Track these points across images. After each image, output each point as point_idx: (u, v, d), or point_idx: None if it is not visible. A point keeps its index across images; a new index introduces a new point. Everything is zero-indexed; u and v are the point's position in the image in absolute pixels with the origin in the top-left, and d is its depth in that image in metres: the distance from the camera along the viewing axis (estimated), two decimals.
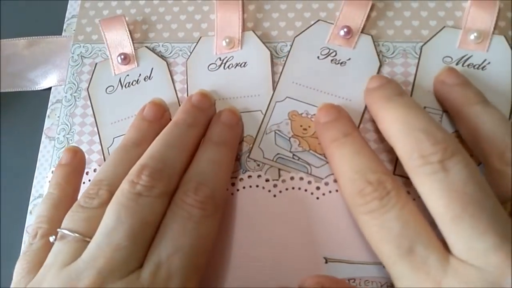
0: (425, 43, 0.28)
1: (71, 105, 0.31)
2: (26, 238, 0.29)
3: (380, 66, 0.28)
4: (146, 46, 0.31)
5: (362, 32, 0.29)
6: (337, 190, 0.26)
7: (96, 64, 0.31)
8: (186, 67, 0.30)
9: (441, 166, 0.19)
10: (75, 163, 0.27)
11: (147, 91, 0.30)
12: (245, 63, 0.29)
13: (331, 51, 0.28)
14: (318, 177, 0.26)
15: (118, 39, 0.31)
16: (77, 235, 0.21)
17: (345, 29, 0.28)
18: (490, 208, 0.19)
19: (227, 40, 0.29)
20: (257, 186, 0.26)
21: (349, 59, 0.28)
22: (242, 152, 0.27)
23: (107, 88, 0.30)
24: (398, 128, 0.21)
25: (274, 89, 0.28)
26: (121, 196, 0.21)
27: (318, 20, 0.29)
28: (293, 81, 0.28)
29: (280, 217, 0.26)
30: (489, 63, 0.27)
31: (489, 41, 0.28)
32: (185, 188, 0.22)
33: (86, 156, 0.29)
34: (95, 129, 0.30)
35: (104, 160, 0.29)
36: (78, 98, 0.31)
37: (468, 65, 0.27)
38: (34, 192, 0.30)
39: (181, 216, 0.21)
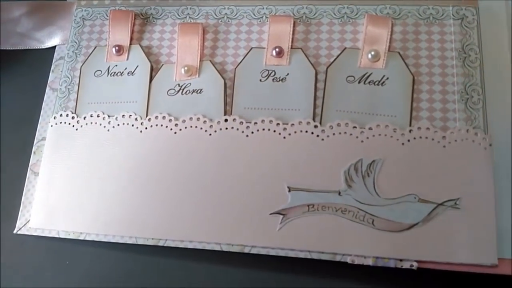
0: (329, 65, 0.31)
1: (72, 60, 0.35)
2: (29, 175, 0.33)
3: (317, 73, 0.30)
4: (140, 44, 0.34)
5: (291, 48, 0.31)
6: (301, 131, 0.29)
7: (95, 47, 0.35)
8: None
9: None
10: None
11: (126, 85, 0.33)
12: (201, 89, 0.32)
13: (270, 71, 0.31)
14: (285, 121, 0.30)
15: (120, 32, 0.34)
16: None
17: (277, 49, 0.31)
18: None
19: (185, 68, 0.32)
20: (232, 128, 0.30)
21: (288, 74, 0.31)
22: None
23: (96, 72, 0.34)
24: None
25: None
26: None
27: (251, 48, 0.32)
28: (244, 107, 0.31)
29: (252, 154, 0.29)
30: (387, 78, 0.30)
31: (384, 58, 0.30)
32: None
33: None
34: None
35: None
36: (79, 54, 0.35)
37: (369, 82, 0.30)
38: (38, 136, 0.34)
39: None
